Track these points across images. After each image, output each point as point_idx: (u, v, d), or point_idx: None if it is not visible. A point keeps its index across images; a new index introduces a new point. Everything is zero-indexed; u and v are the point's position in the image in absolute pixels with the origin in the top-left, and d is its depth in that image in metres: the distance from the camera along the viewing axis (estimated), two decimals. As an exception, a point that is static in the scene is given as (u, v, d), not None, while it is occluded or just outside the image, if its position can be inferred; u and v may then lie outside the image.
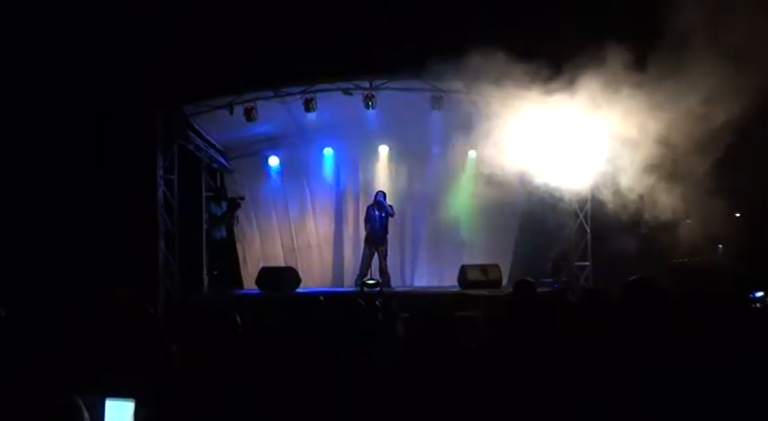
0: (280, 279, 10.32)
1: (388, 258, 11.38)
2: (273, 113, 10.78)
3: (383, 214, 11.25)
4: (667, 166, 8.32)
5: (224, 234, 11.54)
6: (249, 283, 11.65)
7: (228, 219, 11.54)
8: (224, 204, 11.52)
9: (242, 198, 11.85)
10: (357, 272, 11.51)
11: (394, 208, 11.41)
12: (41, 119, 9.86)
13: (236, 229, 11.94)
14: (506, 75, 8.49)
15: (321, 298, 5.54)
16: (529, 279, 4.67)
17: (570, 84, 8.37)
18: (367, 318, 4.65)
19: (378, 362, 3.72)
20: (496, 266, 10.66)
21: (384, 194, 11.39)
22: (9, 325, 3.94)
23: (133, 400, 3.03)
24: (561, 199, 9.89)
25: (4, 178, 9.53)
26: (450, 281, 11.15)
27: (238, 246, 12.25)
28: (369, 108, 10.35)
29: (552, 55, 8.23)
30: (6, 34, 9.30)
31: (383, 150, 12.36)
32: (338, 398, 3.47)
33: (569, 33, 8.22)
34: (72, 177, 10.04)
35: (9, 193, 9.52)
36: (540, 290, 4.91)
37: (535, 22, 8.82)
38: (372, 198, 11.44)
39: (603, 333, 3.64)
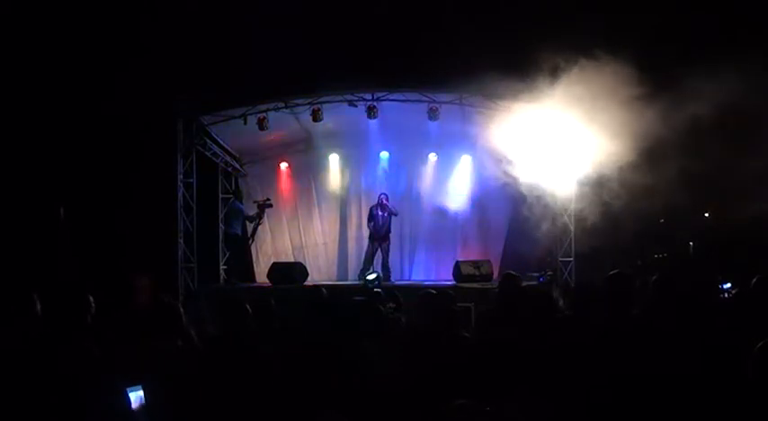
0: (289, 273, 10.32)
1: (389, 254, 11.37)
2: (284, 123, 10.80)
3: (386, 214, 11.27)
4: (647, 169, 8.28)
5: (239, 231, 11.46)
6: (261, 278, 11.66)
7: (258, 219, 11.45)
8: (255, 205, 11.43)
9: (268, 199, 11.64)
10: (360, 266, 11.50)
11: (395, 208, 11.43)
12: (75, 130, 9.99)
13: (259, 228, 11.83)
14: (498, 88, 8.48)
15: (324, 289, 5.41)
16: (513, 272, 4.74)
17: (558, 93, 8.33)
18: (374, 309, 4.64)
19: (383, 348, 3.72)
20: (488, 262, 10.65)
21: (386, 196, 11.40)
22: (45, 319, 3.92)
23: (140, 388, 2.88)
24: (547, 199, 9.87)
25: (45, 182, 9.62)
26: (445, 275, 11.13)
27: (251, 243, 12.23)
28: (371, 118, 10.36)
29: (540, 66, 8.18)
30: (50, 55, 9.41)
31: (384, 156, 12.37)
32: (346, 380, 3.47)
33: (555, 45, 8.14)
34: (102, 181, 10.12)
35: (49, 195, 9.61)
36: (526, 283, 4.93)
37: (522, 37, 8.77)
38: (375, 199, 11.45)
39: (586, 319, 3.66)
